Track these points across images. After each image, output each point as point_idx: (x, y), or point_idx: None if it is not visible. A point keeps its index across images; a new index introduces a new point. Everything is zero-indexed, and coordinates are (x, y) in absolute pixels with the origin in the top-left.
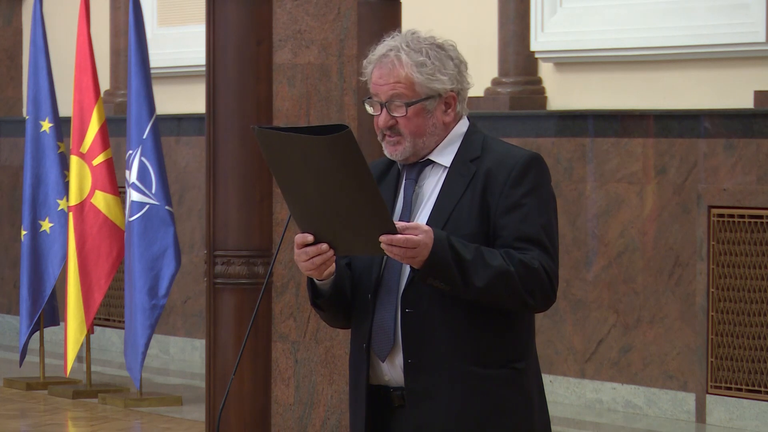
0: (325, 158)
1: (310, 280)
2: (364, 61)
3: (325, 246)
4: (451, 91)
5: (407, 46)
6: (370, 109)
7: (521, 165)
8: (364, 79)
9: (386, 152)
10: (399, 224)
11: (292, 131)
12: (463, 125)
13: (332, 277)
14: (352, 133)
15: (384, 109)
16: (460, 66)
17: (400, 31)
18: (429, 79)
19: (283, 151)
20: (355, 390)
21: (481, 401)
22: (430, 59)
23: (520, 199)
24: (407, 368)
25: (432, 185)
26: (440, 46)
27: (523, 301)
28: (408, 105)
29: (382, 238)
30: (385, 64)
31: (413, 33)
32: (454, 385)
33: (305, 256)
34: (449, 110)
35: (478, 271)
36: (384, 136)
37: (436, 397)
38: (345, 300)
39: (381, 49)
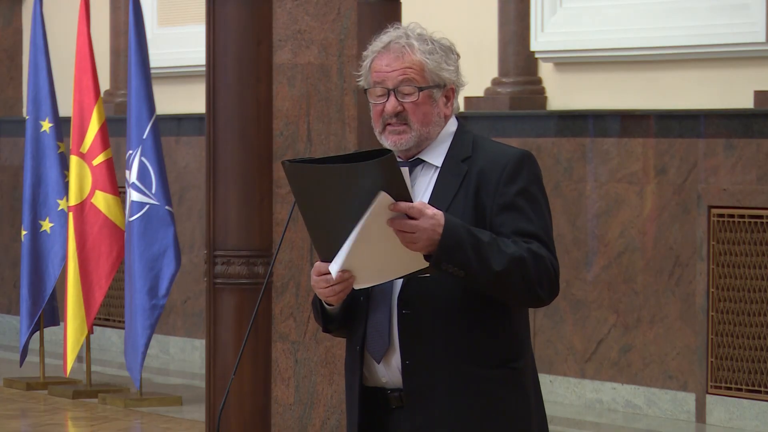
0: (367, 184)
1: (321, 309)
2: (364, 53)
3: (347, 273)
4: (453, 84)
5: (413, 35)
6: (371, 98)
7: (513, 163)
8: (359, 73)
9: (388, 143)
10: (402, 205)
11: (323, 160)
12: (452, 125)
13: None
14: (395, 157)
15: (392, 95)
16: (457, 62)
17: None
18: (438, 67)
19: (314, 184)
20: (350, 392)
21: (479, 401)
22: (436, 49)
23: (514, 197)
24: (405, 369)
25: (424, 185)
26: (438, 41)
27: (533, 291)
28: (421, 89)
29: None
30: (394, 50)
31: (408, 26)
32: (452, 385)
33: (325, 284)
34: (449, 103)
35: (495, 254)
36: (385, 126)
37: (435, 397)
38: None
39: (383, 39)
